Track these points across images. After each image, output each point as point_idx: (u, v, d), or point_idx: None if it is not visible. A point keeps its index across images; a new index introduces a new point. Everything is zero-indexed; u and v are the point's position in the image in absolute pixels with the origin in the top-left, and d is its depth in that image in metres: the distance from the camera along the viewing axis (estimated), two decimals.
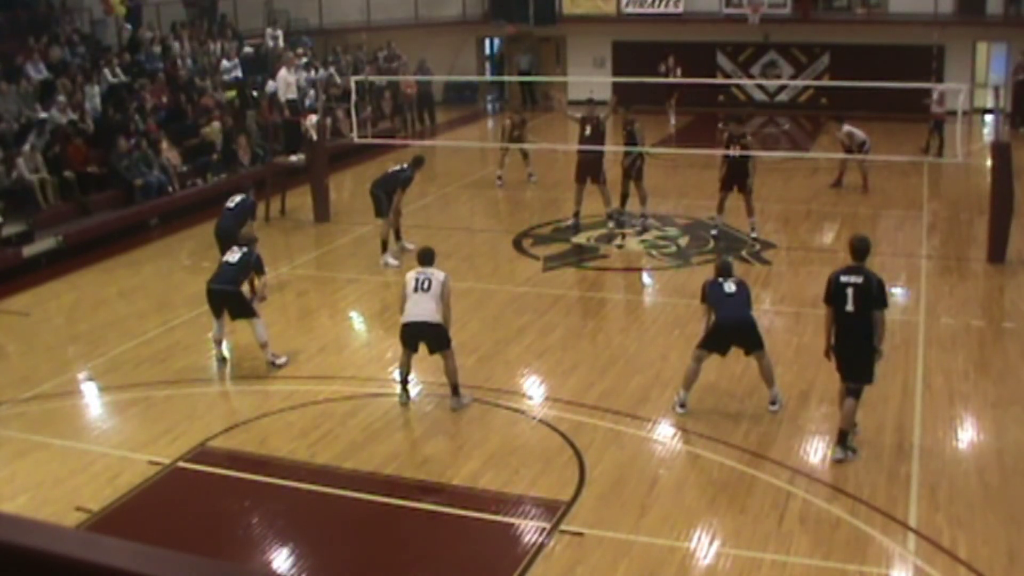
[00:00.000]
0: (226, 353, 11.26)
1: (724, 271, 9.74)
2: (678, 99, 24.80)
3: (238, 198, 13.90)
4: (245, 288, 11.12)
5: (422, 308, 9.54)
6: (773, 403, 9.52)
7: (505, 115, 22.54)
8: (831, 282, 8.54)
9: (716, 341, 9.47)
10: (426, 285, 9.58)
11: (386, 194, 14.64)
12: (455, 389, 9.82)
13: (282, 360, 11.01)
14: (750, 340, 9.43)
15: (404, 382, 9.94)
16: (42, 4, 21.80)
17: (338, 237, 16.51)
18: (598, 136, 15.99)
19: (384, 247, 14.68)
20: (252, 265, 11.11)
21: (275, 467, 8.85)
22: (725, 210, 15.42)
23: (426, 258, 9.89)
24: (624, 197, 16.27)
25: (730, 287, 9.50)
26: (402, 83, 25.63)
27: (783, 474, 8.39)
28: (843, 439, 8.56)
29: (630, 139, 15.94)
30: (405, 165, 14.91)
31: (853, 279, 8.40)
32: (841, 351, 8.58)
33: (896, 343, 11.22)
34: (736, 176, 15.09)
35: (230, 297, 10.90)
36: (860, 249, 8.63)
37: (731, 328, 9.39)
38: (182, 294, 13.62)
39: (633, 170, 16.01)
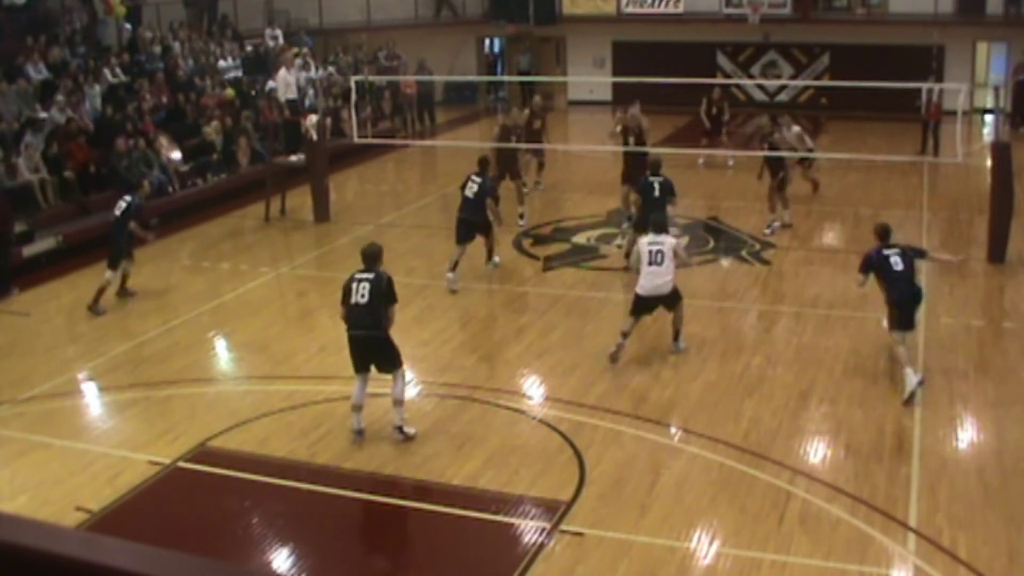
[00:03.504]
0: (363, 424, 9.24)
1: (884, 235, 10.42)
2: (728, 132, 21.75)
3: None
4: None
5: (661, 280, 10.62)
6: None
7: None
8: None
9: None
10: (659, 259, 10.59)
11: (482, 210, 13.31)
12: (677, 335, 11.03)
13: (412, 431, 9.18)
14: None
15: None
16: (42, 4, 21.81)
17: (338, 237, 16.50)
18: (642, 142, 16.14)
19: (454, 266, 13.23)
20: (387, 290, 8.88)
21: (275, 467, 8.84)
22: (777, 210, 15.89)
23: (661, 226, 10.86)
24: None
25: (896, 263, 10.04)
26: (402, 83, 25.62)
27: (783, 474, 8.40)
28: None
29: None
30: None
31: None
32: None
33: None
34: (772, 172, 15.84)
35: (376, 344, 8.98)
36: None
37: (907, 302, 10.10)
38: (182, 294, 13.62)
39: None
